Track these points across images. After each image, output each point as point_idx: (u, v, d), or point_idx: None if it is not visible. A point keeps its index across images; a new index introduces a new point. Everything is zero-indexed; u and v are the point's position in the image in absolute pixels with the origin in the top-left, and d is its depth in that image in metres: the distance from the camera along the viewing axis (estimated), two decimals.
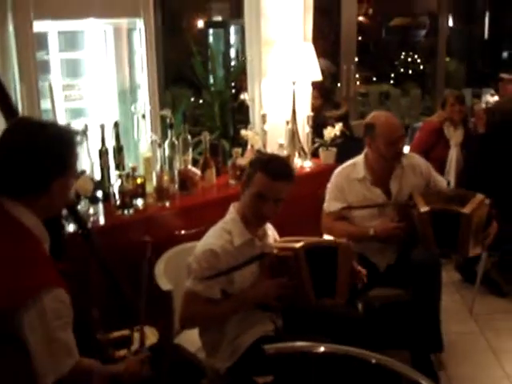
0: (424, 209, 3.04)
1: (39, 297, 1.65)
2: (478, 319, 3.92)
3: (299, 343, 1.84)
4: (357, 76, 8.56)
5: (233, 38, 8.43)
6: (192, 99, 6.04)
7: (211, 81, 5.43)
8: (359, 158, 3.31)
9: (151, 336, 2.29)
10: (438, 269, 3.10)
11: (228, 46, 8.26)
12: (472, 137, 4.82)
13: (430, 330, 3.10)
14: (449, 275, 4.09)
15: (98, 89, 3.58)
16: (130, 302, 2.31)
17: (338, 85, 6.21)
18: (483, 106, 6.16)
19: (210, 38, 8.88)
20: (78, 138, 1.86)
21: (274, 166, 2.43)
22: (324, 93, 5.23)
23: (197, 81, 5.53)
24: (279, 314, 2.60)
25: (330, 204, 3.29)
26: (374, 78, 10.41)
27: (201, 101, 5.71)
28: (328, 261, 2.50)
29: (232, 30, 8.39)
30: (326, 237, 3.32)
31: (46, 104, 3.21)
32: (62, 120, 3.30)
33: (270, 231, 2.66)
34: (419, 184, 3.27)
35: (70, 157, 1.80)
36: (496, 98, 6.10)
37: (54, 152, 1.74)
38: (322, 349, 1.73)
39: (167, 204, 3.19)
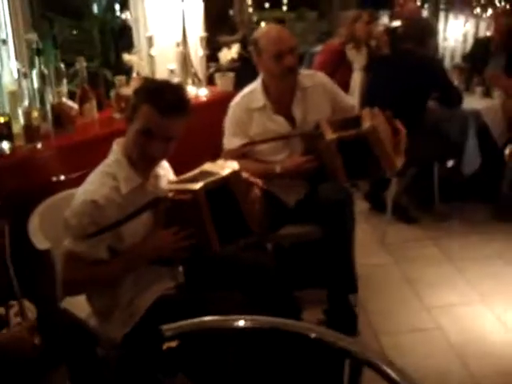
0: (330, 137, 2.70)
1: None
2: (391, 249, 3.77)
3: (206, 318, 1.47)
4: (249, 3, 8.16)
5: None
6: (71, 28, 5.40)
7: (95, 9, 4.83)
8: (256, 84, 2.91)
9: (29, 313, 1.85)
10: (350, 203, 2.82)
11: None
12: (376, 58, 4.56)
13: (343, 270, 2.84)
14: (357, 204, 3.88)
15: None
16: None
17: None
18: (381, 28, 5.97)
19: None
20: None
21: (164, 97, 1.98)
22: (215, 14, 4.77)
23: (76, 8, 4.90)
24: (180, 269, 2.23)
25: (230, 141, 2.89)
26: (267, 5, 10.00)
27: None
28: (227, 197, 2.13)
29: None
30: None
31: None
32: None
33: (163, 171, 2.25)
34: (325, 105, 2.92)
35: None
36: (397, 22, 5.88)
37: None
38: (236, 323, 1.38)
39: (39, 145, 2.69)
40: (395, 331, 2.92)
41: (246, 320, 1.35)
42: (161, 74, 3.46)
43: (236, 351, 1.47)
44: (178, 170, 2.35)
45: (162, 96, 1.98)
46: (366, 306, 3.10)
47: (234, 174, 2.14)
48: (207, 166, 2.24)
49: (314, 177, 2.86)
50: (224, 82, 3.71)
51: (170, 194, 2.13)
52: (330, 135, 2.69)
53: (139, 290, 2.10)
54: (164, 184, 2.21)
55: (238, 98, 2.93)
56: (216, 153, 2.97)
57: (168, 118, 1.98)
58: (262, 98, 2.85)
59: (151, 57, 3.44)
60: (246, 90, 2.94)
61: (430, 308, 3.10)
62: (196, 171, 2.22)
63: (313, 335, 1.29)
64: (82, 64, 3.00)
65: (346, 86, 4.43)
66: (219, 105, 3.38)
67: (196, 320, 1.40)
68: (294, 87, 2.86)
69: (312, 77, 2.95)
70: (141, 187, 2.08)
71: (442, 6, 6.59)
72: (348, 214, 2.79)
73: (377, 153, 2.64)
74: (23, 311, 1.77)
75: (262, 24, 8.59)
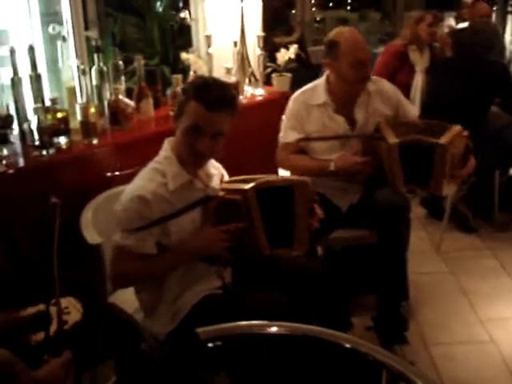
0: (393, 140, 2.65)
1: None
2: (446, 258, 3.66)
3: (243, 323, 1.45)
4: (312, 1, 8.11)
5: None
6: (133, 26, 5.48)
7: (158, 8, 4.89)
8: (319, 82, 2.88)
9: (74, 311, 1.86)
10: (407, 211, 2.74)
11: None
12: (439, 61, 4.45)
13: (395, 276, 2.77)
14: (413, 210, 3.79)
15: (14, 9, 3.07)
16: (39, 268, 1.88)
17: (293, 11, 5.75)
18: (446, 30, 5.83)
19: None
20: None
21: (209, 93, 1.98)
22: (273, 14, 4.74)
23: (138, 6, 4.97)
24: (228, 268, 2.22)
25: (286, 134, 2.87)
26: (331, 4, 9.93)
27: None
28: (284, 204, 2.13)
29: None
30: (283, 173, 2.93)
31: None
32: None
33: (216, 170, 2.25)
34: (387, 113, 2.86)
35: None
36: (464, 24, 5.72)
37: None
38: (272, 329, 1.36)
39: (95, 141, 2.73)
40: (447, 342, 2.84)
41: (279, 326, 1.32)
42: (218, 73, 3.45)
43: (272, 356, 1.44)
44: (233, 171, 2.34)
45: (209, 91, 1.99)
46: (417, 315, 3.02)
47: (302, 184, 2.14)
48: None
49: (370, 181, 2.81)
50: (280, 82, 3.68)
51: (221, 193, 2.13)
52: (393, 139, 2.65)
53: (186, 287, 2.10)
54: (216, 183, 2.21)
55: (299, 93, 2.91)
56: (272, 152, 2.96)
57: (214, 112, 1.98)
58: (324, 95, 2.82)
59: (209, 55, 3.45)
60: (309, 85, 2.91)
61: (485, 320, 2.99)
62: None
63: (347, 345, 1.25)
64: (140, 62, 3.03)
65: (407, 88, 4.34)
66: (275, 105, 3.36)
67: (231, 324, 1.38)
68: (359, 91, 2.82)
69: (377, 82, 2.90)
70: (189, 184, 2.09)
71: (509, 8, 6.38)
72: (404, 220, 2.73)
73: (434, 169, 2.59)
74: (60, 316, 1.77)
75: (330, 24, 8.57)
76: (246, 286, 2.21)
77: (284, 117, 2.91)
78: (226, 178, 2.31)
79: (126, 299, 2.29)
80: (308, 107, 2.83)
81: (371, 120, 2.82)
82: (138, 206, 1.97)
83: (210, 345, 1.55)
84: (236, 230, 2.06)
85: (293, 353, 1.76)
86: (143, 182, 2.04)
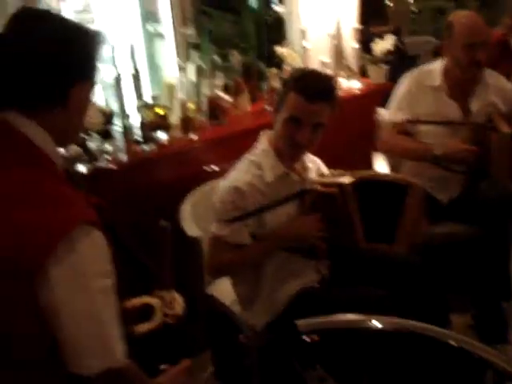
0: (506, 130, 2.54)
1: (71, 238, 1.16)
2: None
3: (342, 317, 1.43)
4: None
5: None
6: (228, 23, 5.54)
7: (253, 4, 4.92)
8: (436, 64, 2.80)
9: (176, 304, 1.91)
10: None
11: None
12: None
13: (498, 275, 2.64)
14: None
15: (116, 9, 3.19)
16: (146, 261, 1.94)
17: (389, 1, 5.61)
18: None
19: None
20: (102, 39, 1.36)
21: (309, 84, 1.99)
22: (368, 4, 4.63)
23: (233, 2, 5.02)
24: (325, 262, 2.21)
25: (393, 113, 2.81)
26: None
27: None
28: (388, 200, 2.09)
29: None
30: (383, 165, 2.87)
31: None
32: None
33: (312, 164, 2.24)
34: (502, 108, 2.76)
35: (94, 57, 1.33)
36: None
37: (80, 46, 1.29)
38: (374, 324, 1.34)
39: (194, 136, 2.79)
40: None
41: (382, 321, 1.30)
42: (313, 66, 3.42)
43: (372, 350, 1.42)
44: (329, 164, 2.33)
45: (308, 83, 1.99)
46: None
47: (419, 187, 2.11)
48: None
49: (474, 173, 2.71)
50: (377, 74, 3.61)
51: (318, 187, 2.12)
52: (506, 129, 2.56)
53: (282, 280, 2.10)
54: (312, 176, 2.20)
55: (414, 72, 2.84)
56: (368, 145, 2.92)
57: (314, 104, 1.97)
58: (439, 78, 2.75)
59: (304, 49, 3.44)
60: (425, 66, 2.86)
61: None
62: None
63: (453, 343, 1.21)
64: (236, 57, 3.07)
65: (507, 79, 4.16)
66: (372, 97, 3.31)
67: (331, 318, 1.36)
68: (475, 79, 2.73)
69: (498, 78, 2.84)
70: (285, 177, 2.10)
71: None
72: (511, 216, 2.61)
73: None
74: (172, 303, 1.81)
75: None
76: (343, 279, 2.19)
77: (394, 94, 2.85)
78: (324, 171, 2.30)
79: (224, 291, 2.33)
80: (422, 88, 2.76)
81: (484, 111, 2.73)
82: (234, 197, 2.00)
83: (306, 338, 1.56)
84: (331, 222, 2.05)
85: (392, 348, 1.73)
86: (239, 173, 2.07)
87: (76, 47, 1.28)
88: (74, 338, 1.18)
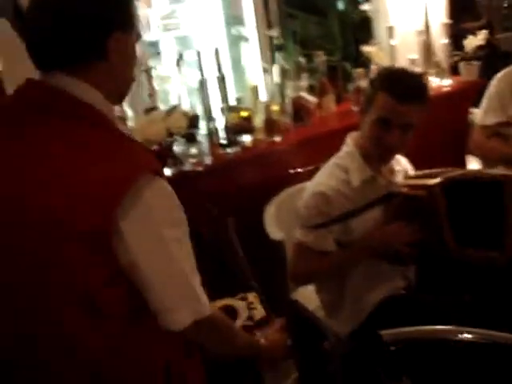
0: None
1: (136, 190, 1.13)
2: None
3: (426, 328, 1.36)
4: None
5: None
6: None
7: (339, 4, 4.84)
8: None
9: (259, 307, 1.89)
10: None
11: None
12: None
13: None
14: None
15: (200, 14, 3.24)
16: (229, 263, 1.94)
17: None
18: None
19: None
20: None
21: (401, 83, 1.90)
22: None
23: (318, 4, 4.96)
24: (412, 268, 2.13)
25: (486, 116, 2.67)
26: None
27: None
28: (484, 201, 1.93)
29: None
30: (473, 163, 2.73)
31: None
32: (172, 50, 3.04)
33: (399, 166, 2.16)
34: None
35: (129, 4, 1.30)
36: None
37: None
38: (464, 336, 1.26)
39: (278, 138, 2.77)
40: None
41: (471, 333, 1.22)
42: (401, 64, 3.33)
43: (462, 362, 1.34)
44: (420, 166, 2.24)
45: (399, 82, 1.91)
46: None
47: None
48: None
49: None
50: (469, 71, 3.46)
51: (404, 189, 2.03)
52: None
53: (368, 286, 2.04)
54: (399, 179, 2.12)
55: (506, 71, 2.69)
56: (460, 145, 2.80)
57: (405, 104, 1.89)
58: None
59: (391, 47, 3.34)
60: None
61: None
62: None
63: None
64: (321, 58, 3.02)
65: None
66: (463, 95, 3.18)
67: (416, 328, 1.30)
68: None
69: None
70: (372, 181, 2.02)
71: None
72: None
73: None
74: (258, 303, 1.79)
75: None
76: (431, 286, 2.10)
77: (485, 95, 2.71)
78: (411, 172, 2.21)
79: (308, 296, 2.29)
80: None
81: None
82: (318, 203, 1.95)
83: (392, 348, 1.50)
84: (418, 227, 1.96)
85: (482, 361, 1.64)
86: (324, 178, 2.02)
87: None
88: (159, 294, 1.17)
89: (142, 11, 3.28)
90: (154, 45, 3.39)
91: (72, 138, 1.17)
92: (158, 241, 1.16)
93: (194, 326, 1.20)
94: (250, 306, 1.84)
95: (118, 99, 1.36)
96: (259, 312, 1.84)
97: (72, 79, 1.21)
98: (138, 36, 1.33)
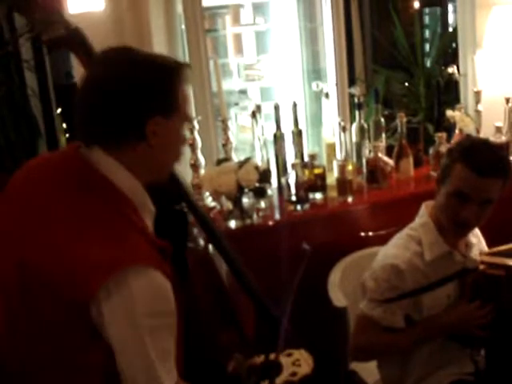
0: None
1: (123, 277, 1.18)
2: None
3: None
4: None
5: (451, 18, 7.59)
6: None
7: (426, 63, 4.76)
8: None
9: (305, 364, 1.80)
10: None
11: (445, 25, 7.42)
12: None
13: None
14: None
15: (282, 66, 3.25)
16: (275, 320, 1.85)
17: None
18: None
19: (426, 18, 8.08)
20: (186, 72, 1.35)
21: (479, 156, 1.79)
22: None
23: (405, 62, 4.91)
24: (481, 352, 1.97)
25: None
26: None
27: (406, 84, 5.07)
28: None
29: (450, 8, 7.52)
30: None
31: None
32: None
33: (475, 239, 2.03)
34: None
35: (172, 90, 1.31)
36: None
37: (150, 81, 1.29)
38: None
39: (350, 199, 2.68)
40: None
41: None
42: (486, 131, 3.19)
43: None
44: (497, 242, 2.08)
45: (479, 155, 1.80)
46: None
47: None
48: None
49: None
50: None
51: (482, 267, 1.91)
52: None
53: (433, 368, 1.91)
54: (475, 254, 1.99)
55: None
56: None
57: (484, 178, 1.78)
58: None
59: (477, 113, 3.21)
60: None
61: None
62: None
63: None
64: (402, 119, 2.93)
65: None
66: None
67: None
68: None
69: None
70: (448, 255, 1.91)
71: None
72: None
73: None
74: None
75: None
76: (502, 373, 1.93)
77: None
78: (484, 246, 2.07)
79: (368, 368, 2.16)
80: None
81: None
82: (390, 276, 1.85)
83: None
84: (495, 308, 1.83)
85: None
86: (397, 249, 1.92)
87: (145, 83, 1.28)
88: (125, 373, 1.22)
89: (232, 59, 3.36)
90: (243, 92, 3.43)
91: (81, 210, 1.26)
92: (134, 329, 1.20)
93: None
94: (295, 362, 1.76)
95: (152, 180, 1.38)
96: (304, 369, 1.76)
97: (107, 158, 1.29)
98: (186, 118, 1.37)
